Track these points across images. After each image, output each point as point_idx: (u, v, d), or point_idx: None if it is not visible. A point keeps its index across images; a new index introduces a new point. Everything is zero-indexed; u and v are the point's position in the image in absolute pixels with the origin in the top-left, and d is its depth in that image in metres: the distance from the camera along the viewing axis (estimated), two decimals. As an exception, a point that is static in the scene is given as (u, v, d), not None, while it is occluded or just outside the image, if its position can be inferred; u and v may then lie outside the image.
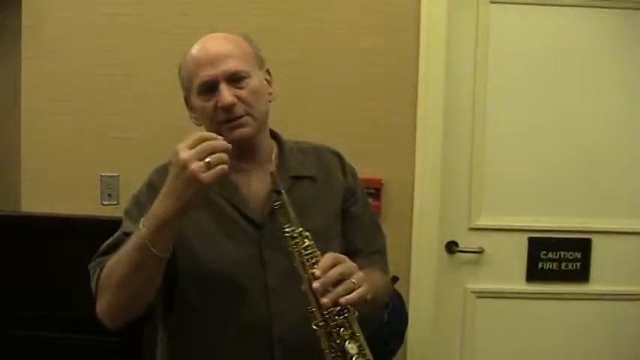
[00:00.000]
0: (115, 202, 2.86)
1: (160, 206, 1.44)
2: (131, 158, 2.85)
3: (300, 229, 1.49)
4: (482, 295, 3.05)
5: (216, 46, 1.62)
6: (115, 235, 1.64)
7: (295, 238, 1.48)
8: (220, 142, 1.43)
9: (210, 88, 1.59)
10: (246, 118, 1.61)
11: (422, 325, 2.93)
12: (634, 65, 3.00)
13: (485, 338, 3.06)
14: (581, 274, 3.05)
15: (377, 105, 2.89)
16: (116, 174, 2.88)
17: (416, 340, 2.92)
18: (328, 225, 1.71)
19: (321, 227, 1.67)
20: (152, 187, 1.65)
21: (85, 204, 2.83)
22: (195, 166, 1.38)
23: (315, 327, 1.45)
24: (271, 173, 1.50)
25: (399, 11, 2.87)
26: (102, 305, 1.56)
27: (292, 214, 1.49)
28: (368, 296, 1.49)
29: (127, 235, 1.57)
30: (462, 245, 3.02)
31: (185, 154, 1.39)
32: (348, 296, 1.43)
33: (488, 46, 2.96)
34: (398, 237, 2.83)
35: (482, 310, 3.05)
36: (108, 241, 1.64)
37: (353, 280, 1.45)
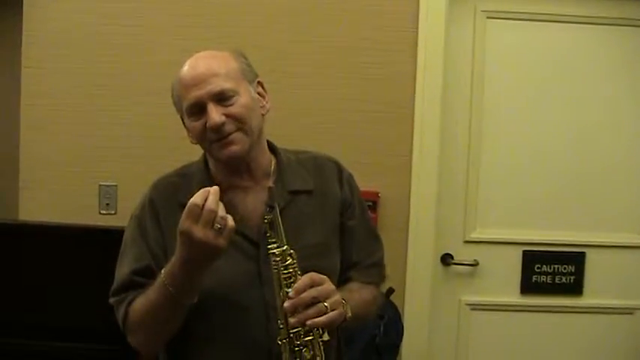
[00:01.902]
0: (113, 212, 2.87)
1: (184, 273, 1.47)
2: (130, 168, 2.85)
3: (285, 247, 1.50)
4: (476, 307, 3.06)
5: (201, 66, 1.61)
6: (126, 273, 1.64)
7: (278, 255, 1.50)
8: (213, 195, 1.43)
9: (198, 109, 1.59)
10: (236, 135, 1.60)
11: (417, 336, 2.93)
12: (630, 81, 3.03)
13: (480, 350, 3.07)
14: (575, 288, 3.06)
15: (374, 118, 2.90)
16: (114, 184, 2.88)
17: (410, 351, 2.92)
18: (327, 239, 1.70)
19: (320, 242, 1.68)
20: (154, 209, 1.67)
21: (83, 213, 2.83)
22: (212, 239, 1.42)
23: (279, 342, 1.49)
24: (269, 188, 1.51)
25: (397, 27, 2.89)
26: (136, 342, 1.65)
27: (282, 232, 1.50)
28: (348, 314, 1.54)
29: (141, 273, 1.61)
30: (457, 258, 3.03)
31: (199, 233, 1.41)
32: (315, 319, 1.46)
33: (484, 61, 2.98)
34: (394, 249, 2.83)
35: (476, 323, 3.06)
36: (122, 278, 1.65)
37: (325, 304, 1.47)
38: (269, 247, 1.50)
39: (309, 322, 1.46)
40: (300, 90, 2.87)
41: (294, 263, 1.50)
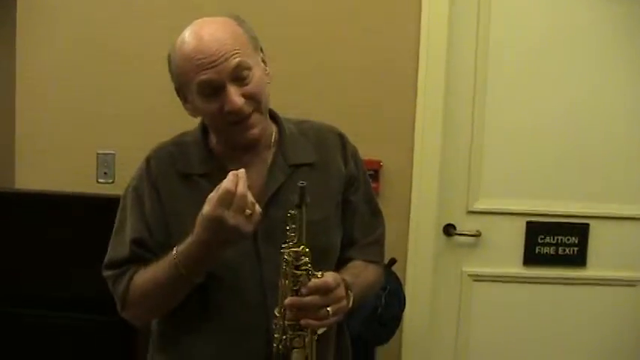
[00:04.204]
0: (111, 180, 2.85)
1: (201, 255, 1.46)
2: (128, 136, 2.83)
3: (302, 247, 1.43)
4: (479, 278, 3.04)
5: (214, 41, 1.50)
6: (125, 246, 1.61)
7: (292, 255, 1.43)
8: (242, 180, 1.40)
9: (212, 89, 1.51)
10: (255, 117, 1.55)
11: (418, 307, 2.93)
12: (635, 52, 2.97)
13: (481, 321, 3.06)
14: (579, 259, 3.04)
15: (377, 87, 2.87)
16: (112, 152, 2.86)
17: (412, 322, 2.92)
18: (328, 216, 1.65)
19: (321, 219, 1.62)
20: (151, 180, 1.63)
21: (81, 182, 2.81)
22: (243, 225, 1.40)
23: (273, 325, 1.48)
24: (301, 187, 1.41)
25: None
26: (131, 314, 1.63)
27: (303, 231, 1.43)
28: (349, 306, 1.50)
29: (139, 244, 1.58)
30: (459, 228, 3.01)
31: (231, 219, 1.38)
32: (310, 321, 1.43)
33: (489, 31, 2.93)
34: (396, 219, 2.81)
35: (478, 294, 3.05)
36: (121, 251, 1.61)
37: (328, 309, 1.44)
38: (284, 245, 1.44)
39: (303, 323, 1.43)
40: (299, 57, 2.83)
41: (307, 263, 1.44)
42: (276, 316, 1.47)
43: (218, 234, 1.41)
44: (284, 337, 1.47)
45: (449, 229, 3.00)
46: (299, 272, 1.43)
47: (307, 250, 1.44)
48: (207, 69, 1.50)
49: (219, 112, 1.53)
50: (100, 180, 2.87)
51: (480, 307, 3.05)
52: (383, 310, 2.61)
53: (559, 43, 2.96)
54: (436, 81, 2.87)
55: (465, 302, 3.05)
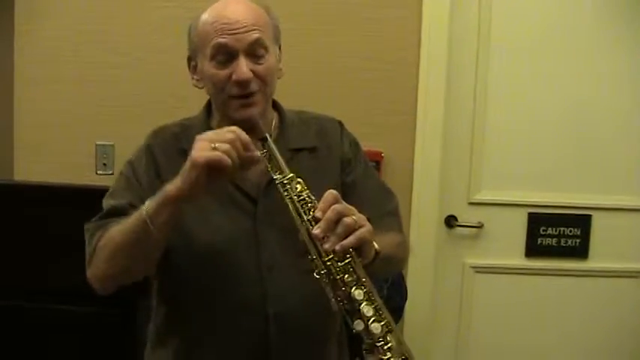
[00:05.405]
0: (110, 172, 2.84)
1: (169, 185, 1.41)
2: (127, 127, 2.80)
3: (291, 175, 1.41)
4: (480, 270, 3.03)
5: (240, 13, 1.54)
6: (120, 203, 1.59)
7: (286, 184, 1.41)
8: (243, 136, 1.37)
9: (226, 56, 1.53)
10: (258, 96, 1.55)
11: (420, 299, 2.92)
12: (635, 46, 2.95)
13: (483, 313, 3.05)
14: (581, 251, 3.03)
15: (378, 77, 2.85)
16: (111, 143, 2.85)
17: (414, 314, 2.90)
18: None
19: None
20: (152, 155, 1.62)
21: (80, 173, 2.80)
22: (200, 145, 1.35)
23: (317, 275, 1.37)
24: (254, 120, 1.43)
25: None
26: (94, 269, 1.55)
27: (281, 162, 1.42)
28: (376, 247, 1.43)
29: (132, 206, 1.53)
30: (461, 220, 3.00)
31: (203, 135, 1.37)
32: (344, 242, 1.33)
33: (491, 18, 2.91)
34: (397, 210, 2.80)
35: (480, 285, 3.04)
36: (110, 207, 1.60)
37: (353, 217, 1.36)
38: (275, 178, 1.41)
39: (337, 248, 1.33)
40: (300, 47, 2.79)
41: (305, 189, 1.40)
42: (312, 261, 1.37)
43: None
44: (336, 277, 1.36)
45: (450, 221, 2.99)
46: (305, 197, 1.39)
47: (299, 178, 1.41)
48: (227, 34, 1.52)
49: (227, 80, 1.54)
50: (99, 171, 2.86)
51: (481, 298, 3.04)
52: (385, 301, 2.60)
53: (561, 36, 2.94)
54: (437, 72, 2.85)
55: (466, 294, 3.04)
